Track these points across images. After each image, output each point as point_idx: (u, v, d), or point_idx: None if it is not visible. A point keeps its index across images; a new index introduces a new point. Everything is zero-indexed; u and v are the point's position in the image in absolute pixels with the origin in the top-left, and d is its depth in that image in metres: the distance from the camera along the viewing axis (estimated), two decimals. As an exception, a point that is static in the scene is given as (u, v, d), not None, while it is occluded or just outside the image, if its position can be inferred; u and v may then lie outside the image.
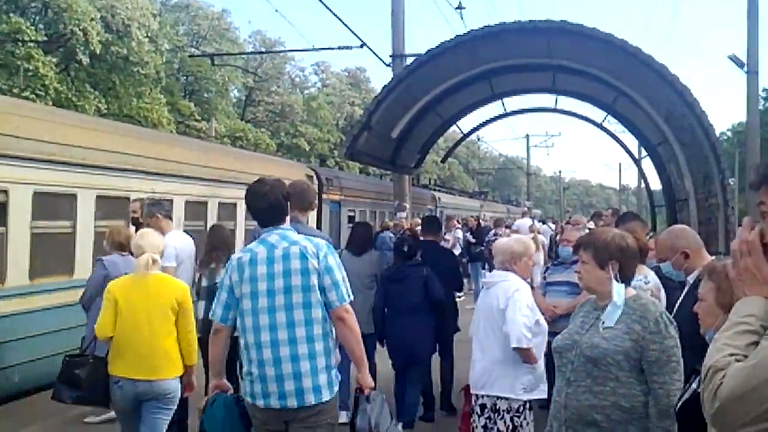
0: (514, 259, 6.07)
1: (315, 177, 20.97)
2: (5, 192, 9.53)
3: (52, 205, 10.41)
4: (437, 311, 8.70)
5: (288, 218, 5.05)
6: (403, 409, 8.53)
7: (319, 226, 19.82)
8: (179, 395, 6.08)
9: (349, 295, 4.89)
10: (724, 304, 3.35)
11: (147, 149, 12.80)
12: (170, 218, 8.44)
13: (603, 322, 4.00)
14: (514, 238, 6.56)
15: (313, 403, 4.72)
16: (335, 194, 22.55)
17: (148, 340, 5.84)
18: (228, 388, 5.17)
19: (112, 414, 8.91)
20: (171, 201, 12.43)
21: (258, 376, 4.78)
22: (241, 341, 4.90)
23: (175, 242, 8.16)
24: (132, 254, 8.73)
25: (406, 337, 8.58)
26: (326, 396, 4.76)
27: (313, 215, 18.87)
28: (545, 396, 5.80)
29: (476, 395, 5.97)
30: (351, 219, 23.15)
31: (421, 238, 9.79)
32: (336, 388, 4.87)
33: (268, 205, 4.96)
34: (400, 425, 7.86)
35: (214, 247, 8.04)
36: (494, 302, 5.94)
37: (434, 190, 37.86)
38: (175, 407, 6.13)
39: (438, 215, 27.19)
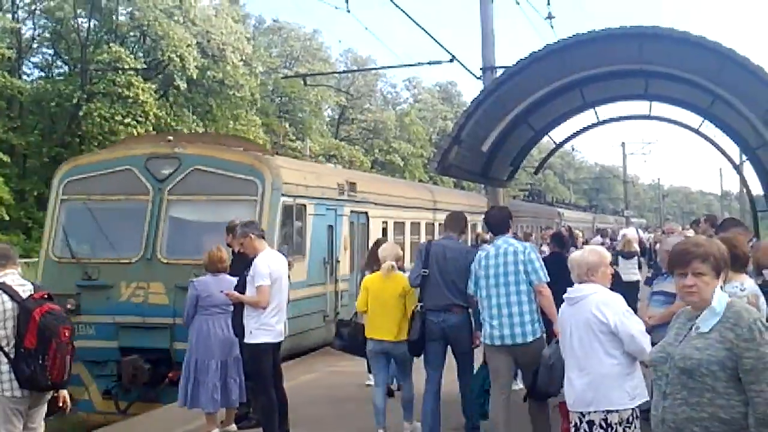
0: (591, 271, 5.92)
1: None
2: (386, 222, 19.28)
3: (398, 228, 20.13)
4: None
5: (510, 229, 8.29)
6: None
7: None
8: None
9: (545, 277, 7.70)
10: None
11: (424, 195, 24.07)
12: (263, 238, 8.58)
13: (698, 327, 3.87)
14: (587, 250, 6.35)
15: (525, 341, 7.59)
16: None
17: (388, 316, 8.72)
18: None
19: None
20: (433, 224, 22.51)
21: (490, 325, 7.72)
22: (480, 304, 7.90)
23: (269, 262, 8.31)
24: (226, 273, 9.01)
25: None
26: (530, 338, 7.62)
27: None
28: (647, 398, 5.59)
29: (581, 413, 5.75)
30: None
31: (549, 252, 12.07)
32: (539, 334, 7.67)
33: (500, 221, 8.27)
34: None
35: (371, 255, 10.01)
36: (590, 316, 5.69)
37: (558, 207, 47.21)
38: (409, 363, 8.96)
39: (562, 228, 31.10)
